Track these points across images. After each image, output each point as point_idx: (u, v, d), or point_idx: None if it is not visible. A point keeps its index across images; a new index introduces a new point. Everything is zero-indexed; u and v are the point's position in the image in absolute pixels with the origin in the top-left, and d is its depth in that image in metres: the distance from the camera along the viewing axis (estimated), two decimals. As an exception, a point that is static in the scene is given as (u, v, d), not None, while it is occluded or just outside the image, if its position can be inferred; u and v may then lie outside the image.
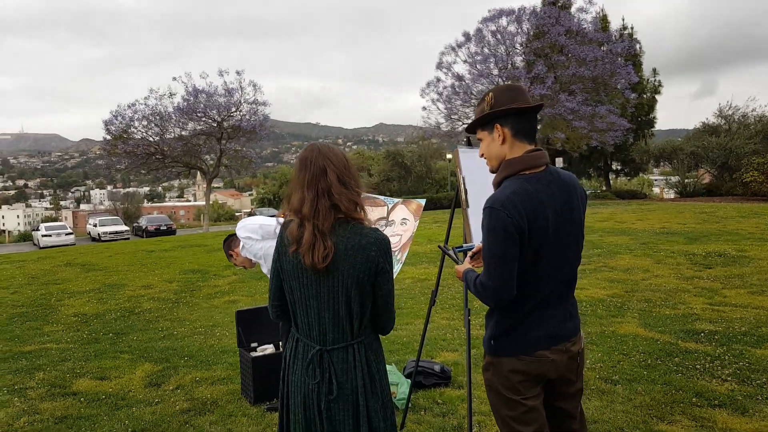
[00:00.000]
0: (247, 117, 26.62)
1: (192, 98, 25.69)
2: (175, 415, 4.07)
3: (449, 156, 49.91)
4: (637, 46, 32.70)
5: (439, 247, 2.89)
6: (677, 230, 13.22)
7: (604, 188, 37.81)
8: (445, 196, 32.64)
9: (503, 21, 24.19)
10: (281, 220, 2.99)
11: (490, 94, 2.21)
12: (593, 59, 22.81)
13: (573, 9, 25.40)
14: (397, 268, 3.71)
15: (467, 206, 3.20)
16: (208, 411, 4.14)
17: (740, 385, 4.11)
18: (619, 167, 38.63)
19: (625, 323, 5.89)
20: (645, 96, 34.18)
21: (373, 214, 4.15)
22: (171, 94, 26.22)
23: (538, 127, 24.87)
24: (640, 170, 39.08)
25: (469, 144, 3.58)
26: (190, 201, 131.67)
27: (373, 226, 2.01)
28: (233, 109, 26.57)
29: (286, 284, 1.99)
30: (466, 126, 2.45)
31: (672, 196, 33.71)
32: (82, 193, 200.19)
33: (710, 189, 29.84)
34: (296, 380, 2.00)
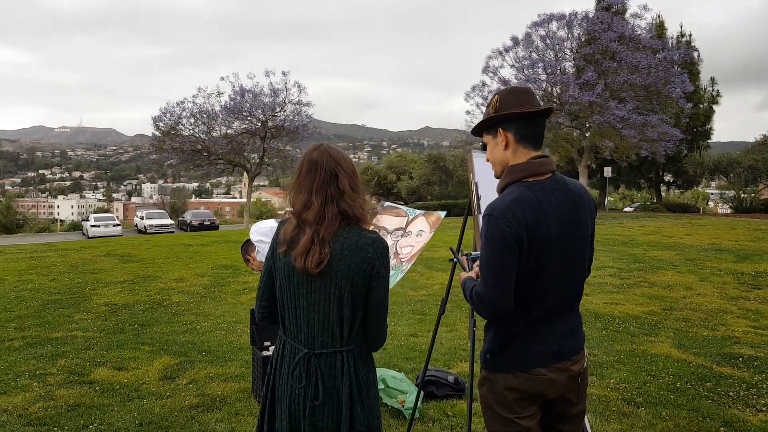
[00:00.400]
0: (291, 117, 26.99)
1: (239, 98, 26.23)
2: (183, 410, 4.06)
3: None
4: (695, 54, 31.61)
5: (450, 250, 2.77)
6: (727, 247, 12.60)
7: (654, 200, 36.66)
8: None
9: (553, 26, 23.72)
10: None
11: (496, 96, 2.11)
12: (646, 66, 22.04)
13: (627, 14, 24.64)
14: (399, 278, 3.62)
15: (479, 212, 3.07)
16: (216, 408, 4.11)
17: None
18: (671, 179, 37.38)
19: (657, 343, 5.59)
20: (701, 106, 32.99)
21: (392, 223, 4.09)
22: (219, 93, 26.90)
23: (586, 135, 24.31)
24: (694, 183, 37.71)
25: (484, 148, 3.44)
26: (235, 198, 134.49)
27: (371, 229, 1.94)
28: (278, 109, 26.99)
29: (277, 283, 1.93)
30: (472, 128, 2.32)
31: (727, 211, 32.39)
32: (133, 187, 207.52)
33: (768, 205, 28.52)
34: (282, 384, 1.94)
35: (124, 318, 6.90)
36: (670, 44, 26.86)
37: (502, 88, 24.17)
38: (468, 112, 26.16)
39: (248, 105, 26.57)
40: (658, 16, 33.60)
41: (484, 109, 25.83)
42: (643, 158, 26.86)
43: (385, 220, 4.09)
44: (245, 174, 30.61)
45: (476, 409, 3.82)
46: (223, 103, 26.75)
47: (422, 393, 3.99)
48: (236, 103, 26.26)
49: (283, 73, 26.79)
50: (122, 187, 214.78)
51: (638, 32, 23.35)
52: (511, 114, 2.01)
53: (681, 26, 50.26)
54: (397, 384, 4.10)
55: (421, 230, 3.98)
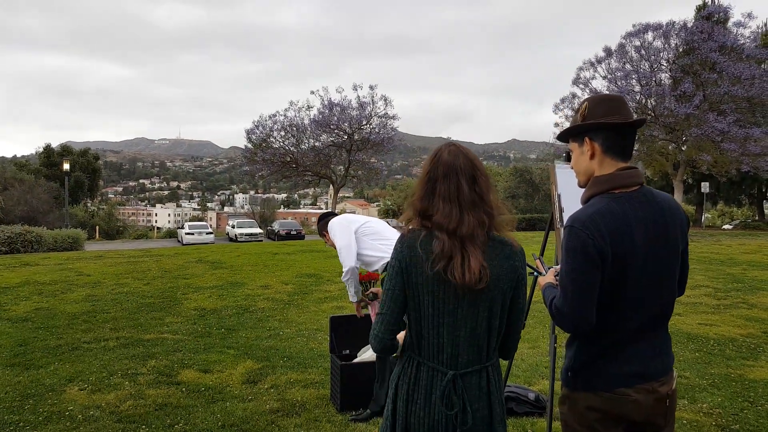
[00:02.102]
0: (377, 130, 27.40)
1: (327, 111, 26.96)
2: (264, 414, 4.17)
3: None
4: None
5: (533, 255, 2.71)
6: None
7: (755, 218, 34.17)
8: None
9: (649, 36, 22.72)
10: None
11: (585, 103, 2.02)
12: (750, 77, 20.62)
13: (729, 23, 23.18)
14: None
15: (561, 225, 2.98)
16: (295, 413, 4.19)
17: None
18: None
19: (757, 367, 5.17)
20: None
21: None
22: (308, 107, 27.77)
23: (683, 148, 23.00)
24: (799, 199, 34.84)
25: (568, 159, 3.34)
26: (321, 209, 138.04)
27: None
28: (364, 122, 27.50)
29: (413, 302, 1.77)
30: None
31: None
32: (226, 197, 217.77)
33: None
34: (417, 411, 1.78)
35: (212, 322, 7.22)
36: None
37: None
38: (557, 124, 25.51)
39: (336, 118, 27.22)
40: (765, 24, 31.40)
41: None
42: (744, 173, 25.02)
43: None
44: (331, 186, 31.41)
45: (557, 428, 3.71)
46: (312, 116, 27.60)
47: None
48: (324, 116, 27.00)
49: (371, 87, 27.41)
50: (216, 197, 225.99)
51: (741, 42, 21.91)
52: (599, 124, 1.94)
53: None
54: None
55: None
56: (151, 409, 4.25)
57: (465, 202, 1.77)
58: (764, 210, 35.90)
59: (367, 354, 4.47)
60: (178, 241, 34.34)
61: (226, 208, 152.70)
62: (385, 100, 27.56)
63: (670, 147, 23.94)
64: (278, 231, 36.42)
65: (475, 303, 1.74)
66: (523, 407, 4.10)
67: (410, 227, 1.83)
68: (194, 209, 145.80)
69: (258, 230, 36.75)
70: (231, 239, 35.97)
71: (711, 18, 22.66)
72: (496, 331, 1.80)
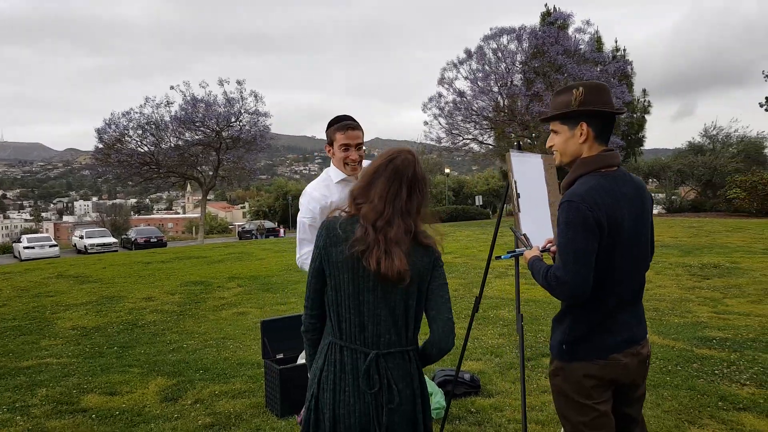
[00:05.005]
0: (247, 127, 26.33)
1: (190, 108, 25.33)
2: (198, 430, 3.85)
3: (447, 170, 50.56)
4: (629, 67, 33.24)
5: (512, 229, 2.77)
6: (670, 243, 13.62)
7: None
8: (444, 210, 33.08)
9: (504, 39, 24.37)
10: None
11: (580, 89, 2.13)
12: (590, 79, 22.98)
13: (570, 30, 25.65)
14: None
15: (519, 210, 3.08)
16: (233, 425, 3.92)
17: (759, 389, 4.22)
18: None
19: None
20: (635, 115, 34.72)
21: None
22: (168, 103, 25.86)
23: (535, 143, 25.05)
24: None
25: (519, 148, 3.48)
26: (179, 213, 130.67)
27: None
28: (233, 119, 26.24)
29: (332, 281, 1.82)
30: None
31: (656, 211, 34.39)
32: (64, 205, 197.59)
33: (695, 205, 31.24)
34: (347, 398, 1.79)
35: (100, 341, 6.50)
36: (607, 58, 28.08)
37: (458, 99, 24.94)
38: (426, 123, 26.50)
39: (201, 115, 25.68)
40: (596, 32, 35.22)
41: (441, 120, 26.46)
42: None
43: None
44: (189, 188, 29.59)
45: (497, 402, 3.87)
46: (173, 114, 25.77)
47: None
48: (188, 113, 25.28)
49: (238, 82, 26.14)
50: (51, 205, 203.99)
51: (581, 47, 24.34)
52: (600, 111, 2.06)
53: (616, 41, 53.13)
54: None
55: None
56: (63, 443, 3.72)
57: (399, 207, 1.83)
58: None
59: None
60: (15, 257, 30.49)
61: (65, 218, 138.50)
62: (256, 96, 26.47)
63: (523, 142, 25.94)
64: (135, 239, 33.96)
65: (393, 284, 1.80)
66: (461, 388, 4.28)
67: (334, 213, 1.92)
68: (26, 220, 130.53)
69: (112, 239, 33.94)
70: (80, 251, 32.70)
71: (555, 23, 24.89)
72: (413, 312, 1.84)
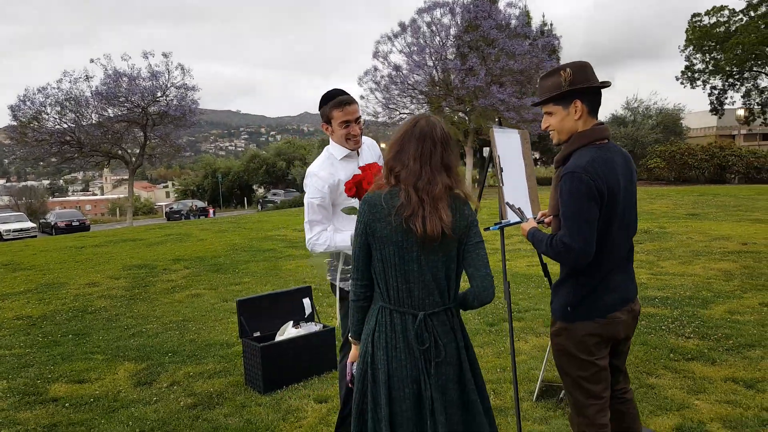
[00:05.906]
0: (175, 102, 25.21)
1: (112, 82, 23.92)
2: (181, 411, 3.84)
3: (383, 145, 50.58)
4: (556, 42, 34.24)
5: (507, 204, 2.89)
6: None
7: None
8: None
9: (437, 12, 24.48)
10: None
11: (568, 70, 2.27)
12: (521, 53, 23.56)
13: (501, 4, 26.05)
14: None
15: (502, 184, 3.22)
16: (216, 404, 3.94)
17: (702, 340, 4.65)
18: (538, 156, 40.58)
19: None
20: (563, 89, 35.90)
21: None
22: (88, 78, 24.27)
23: (471, 117, 25.55)
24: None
25: (500, 124, 3.61)
26: (96, 195, 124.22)
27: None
28: (159, 94, 25.04)
29: (378, 253, 1.94)
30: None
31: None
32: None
33: (617, 174, 32.67)
34: (398, 354, 1.94)
35: (51, 330, 6.22)
36: (536, 32, 28.81)
37: (394, 73, 24.81)
38: (362, 97, 26.24)
39: (124, 90, 24.33)
40: (525, 6, 35.97)
41: (378, 94, 26.26)
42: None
43: None
44: (106, 169, 28.12)
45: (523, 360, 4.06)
46: (94, 88, 24.20)
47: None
48: (110, 88, 23.86)
49: (164, 55, 24.74)
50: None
51: (512, 21, 24.84)
52: (590, 87, 2.22)
53: (543, 16, 54.67)
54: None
55: None
56: (42, 434, 3.61)
57: (437, 165, 1.94)
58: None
59: (287, 332, 4.35)
60: None
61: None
62: (183, 69, 25.23)
63: (458, 116, 26.39)
64: (56, 223, 32.13)
65: (435, 250, 1.92)
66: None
67: (373, 189, 2.00)
68: None
69: (29, 224, 31.95)
70: (-7, 238, 30.65)
71: (486, -3, 25.21)
72: (454, 274, 1.99)
